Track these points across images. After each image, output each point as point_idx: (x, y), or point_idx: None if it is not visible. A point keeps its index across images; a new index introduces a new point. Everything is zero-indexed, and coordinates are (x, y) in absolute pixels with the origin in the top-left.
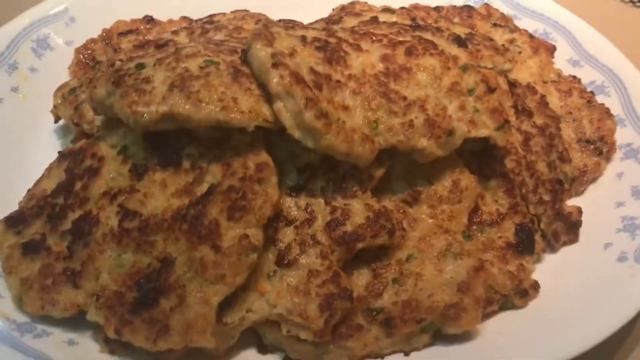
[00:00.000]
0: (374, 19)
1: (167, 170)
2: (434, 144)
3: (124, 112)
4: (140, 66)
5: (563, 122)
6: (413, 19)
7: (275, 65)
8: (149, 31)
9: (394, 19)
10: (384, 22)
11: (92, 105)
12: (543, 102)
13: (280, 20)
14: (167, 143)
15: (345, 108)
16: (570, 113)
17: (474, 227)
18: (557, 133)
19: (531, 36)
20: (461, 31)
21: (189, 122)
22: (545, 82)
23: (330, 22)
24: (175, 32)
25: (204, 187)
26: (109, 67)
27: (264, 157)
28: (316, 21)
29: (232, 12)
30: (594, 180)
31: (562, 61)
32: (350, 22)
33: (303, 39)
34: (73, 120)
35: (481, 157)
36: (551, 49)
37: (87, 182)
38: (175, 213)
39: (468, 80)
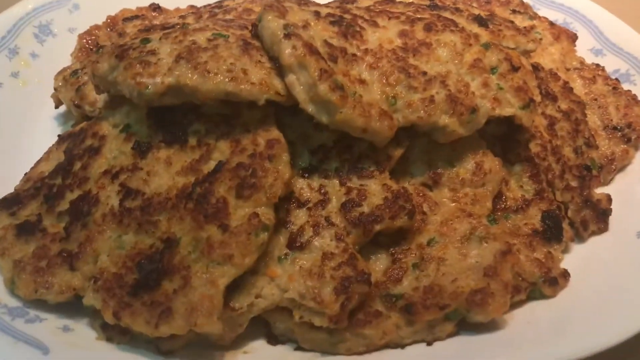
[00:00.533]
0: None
1: (172, 147)
2: (457, 121)
3: (128, 85)
4: (146, 40)
5: (588, 109)
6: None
7: (287, 36)
8: (155, 18)
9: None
10: (401, 2)
11: (94, 82)
12: (567, 88)
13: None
14: (173, 120)
15: (362, 82)
16: (596, 100)
17: (499, 213)
18: (582, 119)
19: (552, 23)
20: (482, 12)
21: (196, 95)
22: (567, 69)
23: (344, 1)
24: (182, 17)
25: (211, 165)
26: None
27: (275, 133)
28: (330, 2)
29: None
30: (622, 168)
31: (584, 50)
32: (366, 2)
33: (317, 13)
34: (74, 102)
35: (505, 141)
36: (572, 37)
37: (87, 161)
38: (180, 191)
39: (491, 57)
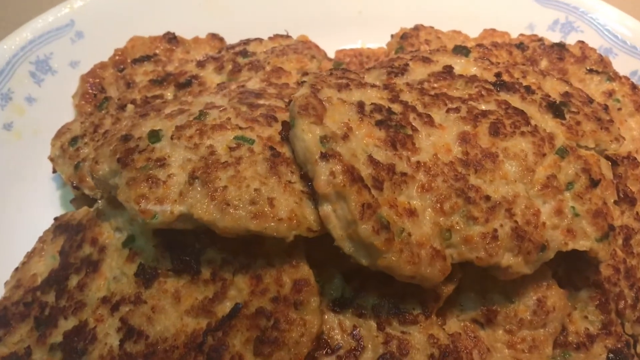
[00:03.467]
0: (448, 70)
1: (181, 278)
2: (522, 261)
3: (131, 208)
4: (155, 137)
5: None
6: (494, 64)
7: (324, 157)
8: (170, 56)
9: (471, 68)
10: (461, 77)
11: (93, 181)
12: None
13: (332, 72)
14: (184, 242)
15: (412, 213)
16: None
17: (557, 350)
18: None
19: (634, 87)
20: (555, 89)
21: (213, 228)
22: None
23: (392, 71)
24: (200, 64)
25: (226, 306)
26: (118, 108)
27: (304, 271)
28: (375, 66)
29: (270, 39)
30: None
31: None
32: (418, 72)
33: (360, 106)
34: (72, 182)
35: (571, 260)
36: None
37: (84, 280)
38: (189, 339)
39: (567, 170)
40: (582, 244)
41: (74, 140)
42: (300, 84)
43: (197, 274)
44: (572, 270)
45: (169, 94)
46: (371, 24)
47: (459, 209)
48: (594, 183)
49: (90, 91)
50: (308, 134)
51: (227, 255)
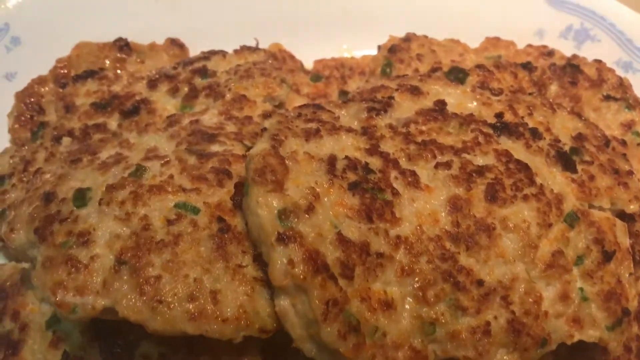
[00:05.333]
0: (440, 107)
1: None
2: (518, 358)
3: (48, 298)
4: (81, 199)
5: None
6: (495, 95)
7: (282, 240)
8: (121, 67)
9: (468, 103)
10: (455, 116)
11: (9, 249)
12: None
13: (300, 113)
14: (116, 330)
15: (388, 305)
16: None
17: None
18: None
19: None
20: (566, 127)
21: (144, 327)
22: None
23: (374, 107)
24: (152, 84)
25: None
26: (53, 140)
27: None
28: (355, 97)
29: (235, 52)
30: None
31: (609, 64)
32: (405, 107)
33: (331, 164)
34: None
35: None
36: None
37: None
38: None
39: (576, 242)
40: (591, 335)
41: (0, 180)
42: (262, 129)
43: None
44: (575, 348)
45: (112, 123)
46: (358, 25)
47: (445, 297)
48: (607, 256)
49: (27, 113)
50: (264, 209)
51: (166, 350)
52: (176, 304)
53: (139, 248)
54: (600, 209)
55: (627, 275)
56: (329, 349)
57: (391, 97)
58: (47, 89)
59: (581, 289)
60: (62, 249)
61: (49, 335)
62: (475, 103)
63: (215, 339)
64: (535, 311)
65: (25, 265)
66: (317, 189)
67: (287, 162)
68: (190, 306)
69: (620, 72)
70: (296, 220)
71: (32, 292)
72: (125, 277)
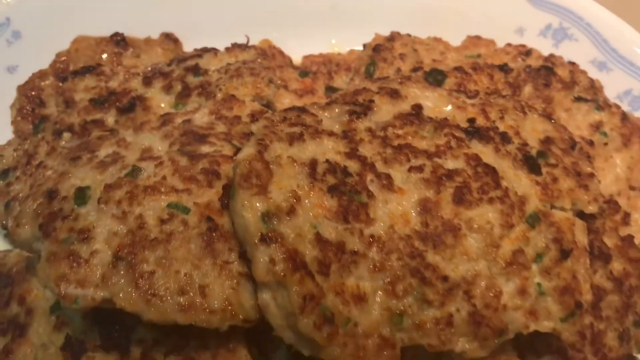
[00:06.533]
0: (416, 111)
1: (110, 355)
2: (477, 347)
3: (52, 289)
4: (81, 197)
5: None
6: (470, 98)
7: (264, 240)
8: (118, 61)
9: (443, 107)
10: (430, 121)
11: (14, 242)
12: (627, 240)
13: (285, 117)
14: (114, 317)
15: (360, 299)
16: None
17: None
18: (638, 284)
19: (624, 117)
20: (536, 129)
21: (139, 317)
22: (632, 189)
23: (354, 110)
24: (147, 81)
25: None
26: (54, 134)
27: (242, 357)
28: (338, 99)
29: (226, 50)
30: None
31: (584, 63)
32: (384, 111)
33: (312, 167)
34: (2, 222)
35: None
36: None
37: (10, 344)
38: None
39: (536, 241)
40: (545, 326)
41: (4, 173)
42: (249, 133)
43: (127, 352)
44: (535, 335)
45: (109, 119)
46: (345, 20)
47: (413, 291)
48: (564, 254)
49: (29, 105)
50: (248, 211)
51: (159, 334)
52: (168, 297)
53: (135, 245)
54: (562, 209)
55: (583, 271)
56: (306, 338)
57: (371, 101)
58: (47, 82)
59: (539, 284)
60: (65, 244)
61: (52, 320)
62: (450, 107)
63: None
64: (494, 304)
65: (30, 254)
66: (299, 192)
67: (271, 166)
68: (181, 299)
69: (595, 71)
70: (278, 221)
71: (37, 279)
72: (122, 272)
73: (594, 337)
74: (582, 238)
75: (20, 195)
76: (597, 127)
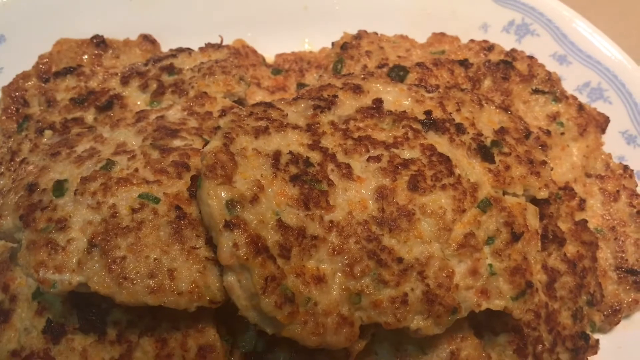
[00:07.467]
0: (377, 105)
1: (89, 337)
2: (432, 324)
3: (31, 275)
4: (59, 190)
5: (602, 241)
6: (429, 92)
7: (228, 226)
8: (98, 62)
9: (403, 100)
10: (389, 114)
11: None
12: (581, 224)
13: (252, 112)
14: (91, 301)
15: (320, 279)
16: (613, 229)
17: None
18: (591, 266)
19: (580, 108)
20: (491, 121)
21: (112, 299)
22: (589, 176)
23: (319, 105)
24: (125, 80)
25: None
26: (37, 132)
27: (211, 337)
28: (304, 95)
29: (200, 50)
30: (626, 316)
31: (545, 57)
32: (347, 105)
33: (276, 158)
34: None
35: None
36: (602, 125)
37: None
38: None
39: (487, 225)
40: (497, 304)
41: None
42: (217, 127)
43: (104, 334)
44: (492, 314)
45: (89, 117)
46: (318, 20)
47: (369, 272)
48: (515, 237)
49: (13, 107)
50: (213, 200)
51: (133, 316)
52: (139, 280)
53: (108, 233)
54: (515, 195)
55: (534, 253)
56: (268, 317)
57: (335, 96)
58: (30, 83)
59: (490, 265)
60: (43, 233)
61: (34, 305)
62: (409, 100)
63: (173, 308)
64: (447, 284)
65: (14, 244)
66: (262, 181)
67: (236, 157)
68: (151, 282)
69: (556, 65)
70: (241, 209)
71: (19, 267)
72: (96, 258)
73: (548, 316)
74: (533, 222)
75: (4, 189)
76: (554, 117)
